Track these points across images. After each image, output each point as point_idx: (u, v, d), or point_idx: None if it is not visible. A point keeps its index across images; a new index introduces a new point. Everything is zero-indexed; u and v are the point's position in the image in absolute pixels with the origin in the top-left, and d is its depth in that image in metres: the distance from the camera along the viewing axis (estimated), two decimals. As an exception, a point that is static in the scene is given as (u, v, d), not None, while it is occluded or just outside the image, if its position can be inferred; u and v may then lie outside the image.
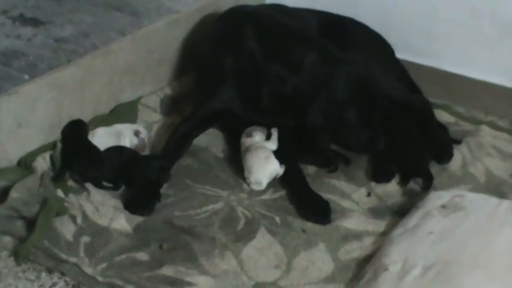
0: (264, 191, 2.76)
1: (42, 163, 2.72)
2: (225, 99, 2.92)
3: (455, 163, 2.92)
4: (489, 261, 2.30)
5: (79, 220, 2.53)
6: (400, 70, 3.24)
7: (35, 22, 3.17)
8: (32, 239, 2.43)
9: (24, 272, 2.40)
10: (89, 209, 2.57)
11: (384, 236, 2.55)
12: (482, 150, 3.00)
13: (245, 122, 2.92)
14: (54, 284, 2.37)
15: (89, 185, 2.67)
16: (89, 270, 2.36)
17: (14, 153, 2.74)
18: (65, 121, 2.86)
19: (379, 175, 2.84)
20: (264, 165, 2.77)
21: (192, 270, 2.38)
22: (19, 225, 2.51)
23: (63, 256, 2.40)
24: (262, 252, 2.48)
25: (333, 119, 2.75)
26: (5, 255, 2.45)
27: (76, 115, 2.89)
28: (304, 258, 2.47)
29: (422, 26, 3.32)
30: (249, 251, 2.49)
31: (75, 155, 2.73)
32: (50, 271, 2.40)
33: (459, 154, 2.95)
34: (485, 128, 3.12)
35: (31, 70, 2.84)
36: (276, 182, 2.79)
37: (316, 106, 2.75)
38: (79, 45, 3.02)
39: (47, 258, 2.41)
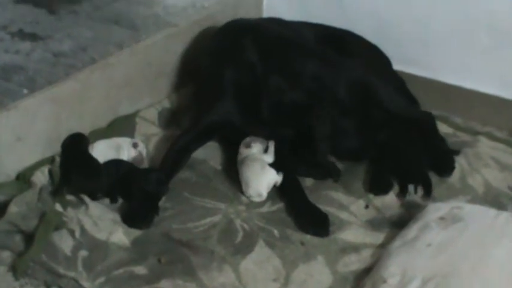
0: (263, 204, 2.76)
1: (41, 177, 2.72)
2: (224, 112, 2.93)
3: (454, 174, 2.92)
4: (488, 273, 2.30)
5: (77, 234, 2.53)
6: (398, 81, 3.25)
7: (33, 37, 3.18)
8: (30, 253, 2.44)
9: (22, 286, 2.40)
10: (87, 223, 2.57)
11: (382, 248, 2.55)
12: (480, 161, 3.00)
13: (245, 134, 2.92)
14: (53, 298, 2.37)
15: (87, 199, 2.67)
16: (87, 284, 2.36)
17: (12, 168, 2.75)
18: (63, 135, 2.86)
19: (377, 187, 2.84)
20: (261, 177, 2.77)
21: (190, 284, 2.38)
22: (17, 239, 2.52)
23: (61, 270, 2.40)
24: (260, 265, 2.48)
25: (335, 125, 2.77)
26: (3, 269, 2.45)
27: (75, 129, 2.89)
28: (302, 271, 2.47)
29: (419, 37, 3.32)
30: (248, 264, 2.48)
31: (73, 167, 2.74)
32: (48, 285, 2.39)
33: (457, 165, 2.94)
34: (482, 139, 3.12)
35: (30, 84, 2.85)
36: (275, 195, 2.79)
37: (321, 114, 2.76)
38: (77, 59, 3.02)
39: (45, 272, 2.41)
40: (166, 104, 3.26)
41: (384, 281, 2.32)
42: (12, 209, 2.54)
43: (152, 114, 3.17)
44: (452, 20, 3.23)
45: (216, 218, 2.68)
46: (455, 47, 3.26)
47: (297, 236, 2.62)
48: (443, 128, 3.17)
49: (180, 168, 2.88)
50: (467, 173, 2.92)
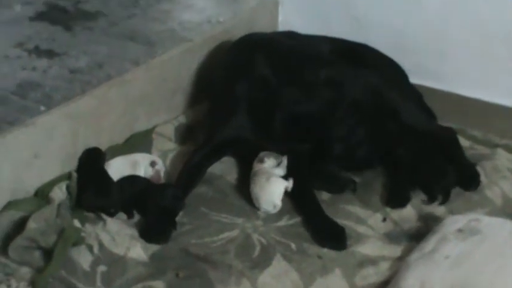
0: (279, 218, 2.76)
1: (59, 193, 2.73)
2: (238, 127, 2.94)
3: (472, 187, 2.92)
4: (506, 285, 2.29)
5: (96, 250, 2.54)
6: (415, 95, 3.24)
7: (50, 54, 3.20)
8: (49, 269, 2.44)
9: (41, 302, 2.41)
10: (106, 239, 2.58)
11: (400, 260, 2.54)
12: (498, 173, 2.98)
13: (259, 149, 2.92)
14: (72, 314, 2.38)
15: (104, 215, 2.68)
16: (105, 299, 2.37)
17: (31, 184, 2.76)
18: (80, 151, 2.88)
19: (395, 200, 2.83)
20: (267, 189, 2.76)
21: (209, 298, 2.39)
22: (37, 255, 2.52)
23: (81, 286, 2.41)
24: (278, 279, 2.48)
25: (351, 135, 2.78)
26: (24, 285, 2.45)
27: (92, 145, 2.91)
28: (320, 284, 2.47)
29: (435, 49, 3.32)
30: (265, 278, 2.48)
31: (85, 184, 2.75)
32: (67, 301, 2.40)
33: (475, 178, 2.95)
34: (501, 151, 3.10)
35: (47, 101, 2.87)
36: (291, 209, 2.79)
37: (339, 123, 2.77)
38: (94, 76, 3.04)
39: (65, 288, 2.42)
40: (183, 119, 3.27)
41: (402, 294, 2.32)
42: (31, 225, 2.55)
43: (169, 129, 3.18)
44: (469, 32, 3.22)
45: (234, 233, 2.68)
46: (472, 59, 3.25)
47: (314, 249, 2.61)
48: (460, 141, 3.16)
49: (195, 184, 2.88)
50: (485, 186, 2.91)
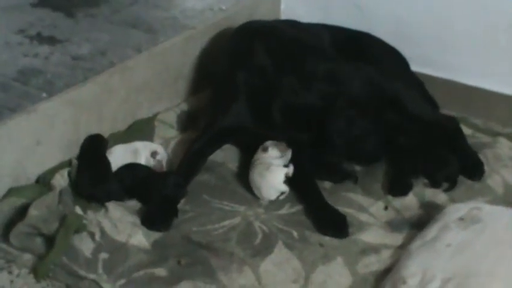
0: (281, 206, 2.76)
1: (61, 180, 2.74)
2: (238, 115, 2.93)
3: (473, 175, 2.92)
4: (507, 273, 2.29)
5: (97, 237, 2.54)
6: (417, 83, 3.24)
7: (52, 40, 3.19)
8: (51, 256, 2.45)
9: (43, 288, 2.42)
10: (107, 226, 2.58)
11: (402, 249, 2.54)
12: (499, 162, 2.99)
13: (259, 137, 2.91)
14: (74, 301, 2.39)
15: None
16: (107, 286, 2.37)
17: (32, 171, 2.76)
18: (82, 138, 2.88)
19: (396, 188, 2.84)
20: (268, 178, 2.75)
21: (210, 285, 2.39)
22: (38, 242, 2.53)
23: (82, 273, 2.41)
24: (280, 267, 2.48)
25: (352, 126, 2.77)
26: (25, 272, 2.47)
27: (94, 132, 2.91)
28: (322, 272, 2.47)
29: (438, 38, 3.31)
30: (267, 265, 2.49)
31: (84, 171, 2.75)
32: (69, 288, 2.41)
33: (476, 166, 2.95)
34: (502, 140, 3.11)
35: (49, 88, 2.87)
36: (293, 197, 2.79)
37: (337, 115, 2.76)
38: (96, 63, 3.04)
39: (66, 275, 2.42)
40: (185, 107, 3.27)
41: (404, 282, 2.31)
42: (33, 212, 2.55)
43: (171, 117, 3.18)
44: (471, 21, 3.22)
45: (235, 220, 2.68)
46: (475, 48, 3.25)
47: (316, 237, 2.62)
48: (462, 130, 3.16)
49: (197, 172, 2.88)
50: (486, 174, 2.91)
